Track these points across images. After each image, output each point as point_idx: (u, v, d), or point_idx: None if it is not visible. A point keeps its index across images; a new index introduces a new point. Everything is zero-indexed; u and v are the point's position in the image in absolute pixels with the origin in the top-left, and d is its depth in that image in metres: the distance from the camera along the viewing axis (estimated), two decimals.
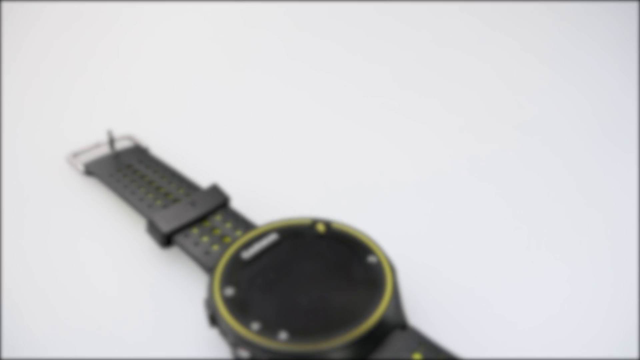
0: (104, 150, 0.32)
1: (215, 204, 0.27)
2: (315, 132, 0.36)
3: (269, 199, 0.30)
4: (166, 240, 0.25)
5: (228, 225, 0.26)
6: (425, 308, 0.24)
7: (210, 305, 0.21)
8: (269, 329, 0.19)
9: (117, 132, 0.33)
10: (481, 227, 0.28)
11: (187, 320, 0.23)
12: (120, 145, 0.32)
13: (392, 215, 0.29)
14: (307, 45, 0.46)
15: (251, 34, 0.48)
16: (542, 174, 0.32)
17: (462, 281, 0.25)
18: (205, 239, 0.25)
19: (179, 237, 0.25)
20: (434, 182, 0.31)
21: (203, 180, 0.30)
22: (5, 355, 0.22)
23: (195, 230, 0.26)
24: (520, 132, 0.35)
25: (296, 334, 0.19)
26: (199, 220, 0.26)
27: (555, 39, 0.46)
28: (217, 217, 0.26)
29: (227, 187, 0.29)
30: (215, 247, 0.25)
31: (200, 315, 0.23)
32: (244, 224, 0.26)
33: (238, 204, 0.28)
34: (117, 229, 0.28)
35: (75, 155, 0.31)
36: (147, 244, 0.27)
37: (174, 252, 0.26)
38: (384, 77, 0.42)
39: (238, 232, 0.25)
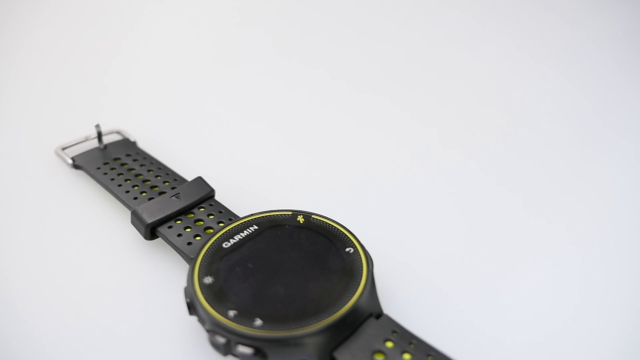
0: (93, 143, 0.32)
1: (200, 197, 0.27)
2: (305, 128, 0.36)
3: (255, 194, 0.30)
4: (149, 231, 0.26)
5: (212, 217, 0.26)
6: (407, 304, 0.24)
7: (188, 293, 0.21)
8: (244, 316, 0.20)
9: (109, 126, 0.34)
10: (470, 224, 0.28)
11: (169, 310, 0.24)
12: (109, 139, 0.33)
13: (379, 211, 0.29)
14: (297, 42, 0.46)
15: (241, 31, 0.49)
16: (535, 168, 0.32)
17: (445, 279, 0.25)
18: (188, 230, 0.26)
19: (162, 229, 0.26)
20: (422, 177, 0.31)
21: (192, 174, 0.30)
22: None
23: (179, 222, 0.26)
24: (514, 127, 0.35)
25: (271, 320, 0.20)
26: (183, 212, 0.27)
27: (545, 34, 0.46)
28: (202, 210, 0.27)
29: (215, 181, 0.29)
30: (198, 239, 0.25)
31: (182, 304, 0.24)
32: (228, 216, 0.26)
33: (225, 197, 0.29)
34: (104, 220, 0.28)
35: (64, 148, 0.32)
36: (133, 236, 0.27)
37: (159, 243, 0.27)
38: (374, 74, 0.42)
39: (221, 224, 0.26)
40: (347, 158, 0.33)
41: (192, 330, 0.23)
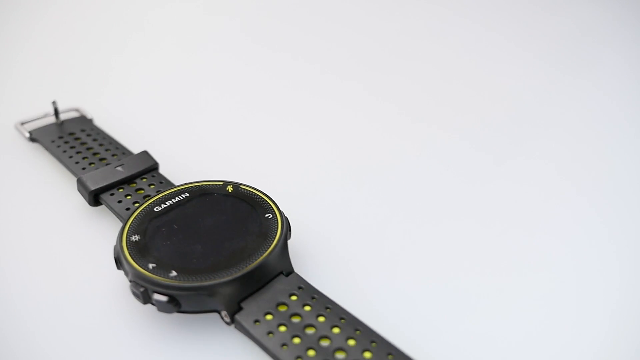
0: (52, 119, 0.34)
1: (143, 168, 0.29)
2: (273, 111, 0.38)
3: (201, 171, 0.32)
4: (93, 198, 0.28)
5: (152, 187, 0.29)
6: (323, 268, 0.26)
7: (116, 250, 0.24)
8: (162, 268, 0.22)
9: (79, 105, 0.36)
10: (429, 215, 0.29)
11: (106, 268, 0.26)
12: (68, 116, 0.35)
13: (314, 188, 0.31)
14: (270, 30, 0.48)
15: (212, 16, 0.51)
16: (507, 153, 0.34)
17: (360, 249, 0.27)
18: (128, 197, 0.28)
19: (105, 195, 0.28)
20: (390, 168, 0.32)
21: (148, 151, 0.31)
22: None
23: (121, 190, 0.28)
24: (495, 117, 0.37)
25: (185, 272, 0.22)
26: (125, 182, 0.29)
27: (525, 22, 0.49)
28: (144, 180, 0.29)
29: (168, 157, 0.31)
30: (137, 205, 0.27)
31: None
32: (168, 187, 0.29)
33: (172, 172, 0.31)
34: (54, 189, 0.31)
35: (23, 123, 0.34)
36: (79, 203, 0.29)
37: (103, 210, 0.29)
38: (350, 62, 0.44)
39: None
40: (297, 139, 0.35)
41: (124, 285, 0.25)
